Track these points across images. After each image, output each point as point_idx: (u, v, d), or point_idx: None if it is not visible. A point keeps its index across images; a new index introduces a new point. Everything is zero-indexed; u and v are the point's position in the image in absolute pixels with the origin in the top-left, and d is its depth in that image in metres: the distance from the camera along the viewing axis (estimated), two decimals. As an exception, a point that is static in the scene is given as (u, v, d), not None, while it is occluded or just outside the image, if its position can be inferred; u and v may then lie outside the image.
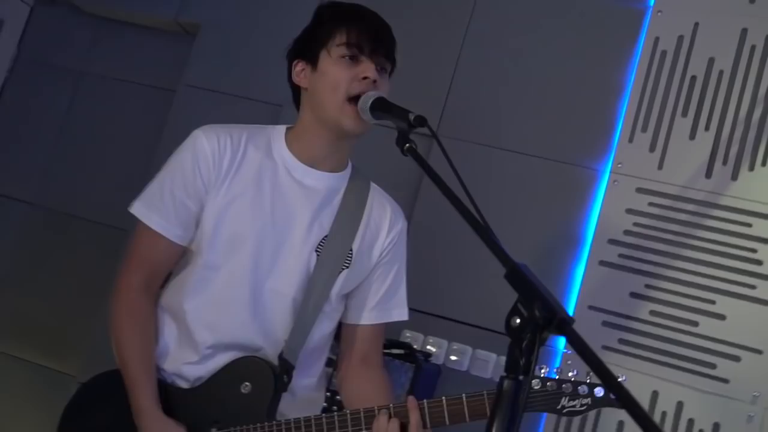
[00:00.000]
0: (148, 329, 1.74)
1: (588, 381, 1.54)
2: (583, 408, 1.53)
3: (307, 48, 1.76)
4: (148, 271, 1.75)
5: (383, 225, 1.83)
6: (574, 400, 1.53)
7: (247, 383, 1.68)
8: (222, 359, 1.71)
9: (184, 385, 1.74)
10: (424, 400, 1.58)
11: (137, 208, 1.74)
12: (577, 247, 3.00)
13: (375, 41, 1.70)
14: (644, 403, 2.81)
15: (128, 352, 1.70)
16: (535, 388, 1.55)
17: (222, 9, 3.71)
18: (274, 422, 1.65)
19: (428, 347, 3.05)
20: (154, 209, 1.72)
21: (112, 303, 1.75)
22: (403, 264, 1.87)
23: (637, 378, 2.81)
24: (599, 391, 1.53)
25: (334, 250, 1.74)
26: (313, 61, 1.74)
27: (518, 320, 1.12)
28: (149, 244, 1.74)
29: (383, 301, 1.84)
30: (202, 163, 1.71)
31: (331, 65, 1.70)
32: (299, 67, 1.77)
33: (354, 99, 1.67)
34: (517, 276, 1.15)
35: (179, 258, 1.78)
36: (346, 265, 1.75)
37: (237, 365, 1.70)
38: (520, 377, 1.10)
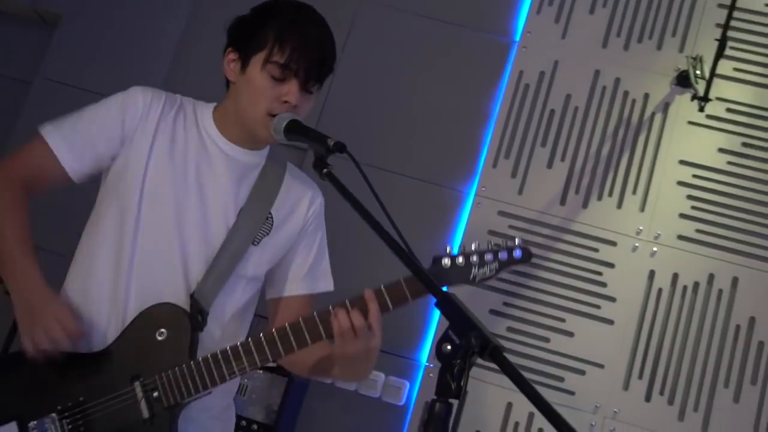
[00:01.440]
0: (23, 210, 1.69)
1: (490, 248, 1.64)
2: (492, 272, 1.62)
3: (243, 42, 1.74)
4: (24, 174, 1.71)
5: (304, 197, 1.86)
6: (482, 267, 1.62)
7: (162, 329, 1.64)
8: (132, 312, 1.67)
9: (97, 348, 1.67)
10: (381, 286, 1.62)
11: (46, 128, 1.72)
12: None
13: (310, 66, 1.69)
14: (499, 414, 3.00)
15: (5, 225, 1.66)
16: (447, 265, 1.63)
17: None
18: (201, 358, 1.61)
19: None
20: (63, 135, 1.70)
21: None
22: (325, 237, 1.90)
23: (492, 390, 2.99)
24: (503, 254, 1.63)
25: (253, 215, 1.76)
26: (244, 59, 1.73)
27: (449, 347, 1.19)
28: (37, 154, 1.71)
29: (311, 270, 1.85)
30: (129, 113, 1.72)
31: (258, 76, 1.70)
32: (230, 56, 1.76)
33: (273, 115, 1.69)
34: (449, 305, 1.22)
35: (52, 183, 1.74)
36: (264, 231, 1.77)
37: (146, 315, 1.66)
38: (450, 400, 1.18)
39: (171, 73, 3.45)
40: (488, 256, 1.63)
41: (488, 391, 2.99)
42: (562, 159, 3.22)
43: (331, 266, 1.92)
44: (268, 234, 1.79)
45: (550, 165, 3.22)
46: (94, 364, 1.65)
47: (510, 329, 3.06)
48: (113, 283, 1.69)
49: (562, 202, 3.18)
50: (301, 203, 1.86)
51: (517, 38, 3.34)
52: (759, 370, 2.95)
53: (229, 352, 1.61)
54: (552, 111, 3.26)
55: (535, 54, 3.31)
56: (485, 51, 3.34)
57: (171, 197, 1.72)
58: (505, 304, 3.09)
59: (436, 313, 3.10)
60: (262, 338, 1.61)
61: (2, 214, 1.68)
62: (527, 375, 2.96)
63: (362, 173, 1.52)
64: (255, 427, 2.66)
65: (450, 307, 1.22)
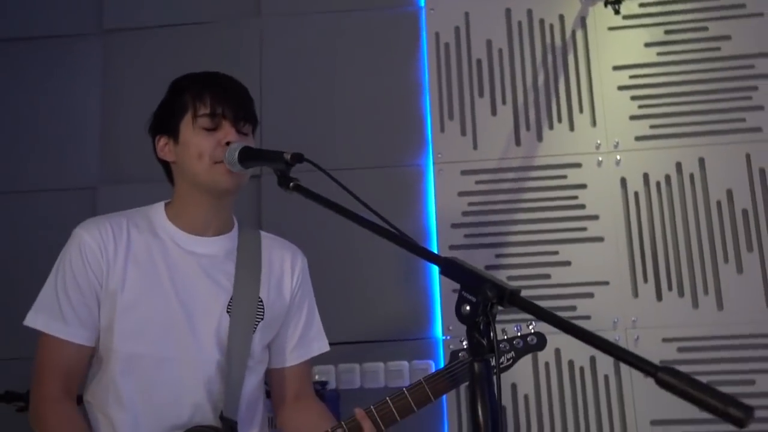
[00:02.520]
0: (77, 427, 1.64)
1: (506, 337, 1.67)
2: (510, 362, 1.65)
3: (166, 122, 1.74)
4: (60, 379, 1.65)
5: (285, 267, 1.84)
6: (500, 357, 1.66)
7: None
8: None
9: None
10: (371, 406, 1.63)
11: (34, 319, 1.66)
12: (426, 241, 3.17)
13: (235, 108, 1.71)
14: (526, 360, 3.00)
15: None
16: (466, 357, 1.65)
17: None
18: None
19: (317, 377, 3.08)
20: (51, 316, 1.66)
21: (32, 421, 1.64)
22: (312, 298, 1.91)
23: (514, 340, 3.01)
24: (519, 343, 1.66)
25: (244, 305, 1.73)
26: (174, 134, 1.73)
27: (468, 307, 1.21)
28: (56, 352, 1.66)
29: (302, 338, 1.86)
30: (90, 258, 1.67)
31: (193, 136, 1.70)
32: (162, 142, 1.76)
33: (221, 163, 1.68)
34: (453, 268, 1.24)
35: (89, 359, 1.70)
36: (260, 317, 1.76)
37: None
38: (486, 357, 1.20)
39: (102, 153, 3.41)
40: (503, 345, 1.72)
41: (510, 343, 3.02)
42: (504, 102, 3.25)
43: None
44: (262, 318, 1.77)
45: (494, 112, 3.25)
46: None
47: (510, 278, 3.09)
48: (141, 429, 1.65)
49: (517, 142, 3.21)
50: (285, 276, 1.84)
51: (422, 3, 3.37)
52: (751, 236, 3.03)
53: None
54: (478, 60, 3.29)
55: (445, 12, 3.34)
56: (396, 25, 3.36)
57: (158, 325, 1.66)
58: (498, 255, 3.12)
59: (436, 289, 3.12)
60: None
61: None
62: (540, 315, 3.03)
63: (327, 174, 1.53)
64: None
65: (456, 269, 1.24)
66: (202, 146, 1.68)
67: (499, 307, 1.20)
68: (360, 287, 3.15)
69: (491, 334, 1.19)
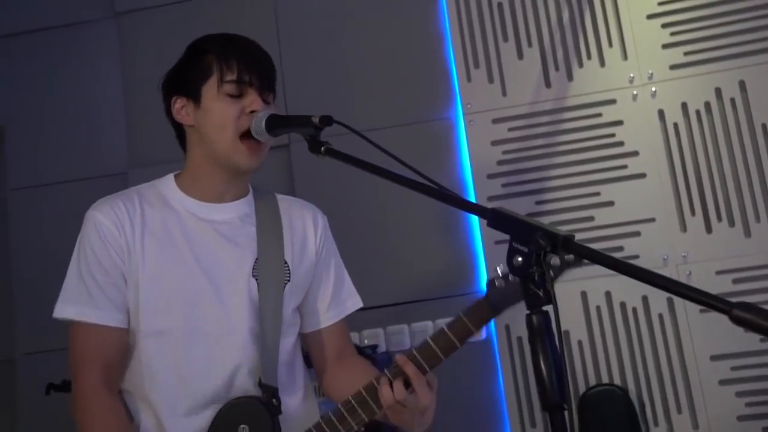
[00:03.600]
0: (116, 425, 1.60)
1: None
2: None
3: (185, 83, 1.67)
4: (101, 367, 1.60)
5: (308, 227, 1.79)
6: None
7: (242, 426, 1.60)
8: (205, 416, 1.62)
9: None
10: (412, 349, 1.55)
11: (63, 310, 1.62)
12: (463, 195, 3.10)
13: (262, 75, 1.66)
14: (576, 305, 2.97)
15: None
16: (503, 285, 1.54)
17: (20, 99, 3.48)
18: None
19: (366, 341, 3.06)
20: (82, 303, 1.61)
21: (75, 415, 1.60)
22: (338, 256, 1.85)
23: (562, 286, 2.93)
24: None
25: (270, 268, 1.68)
26: (194, 96, 1.66)
27: (520, 258, 1.15)
28: (89, 340, 1.61)
29: (334, 296, 1.80)
30: (109, 238, 1.62)
31: (216, 101, 1.63)
32: (179, 104, 1.69)
33: (245, 134, 1.62)
34: (501, 219, 1.18)
35: (125, 345, 1.65)
36: (287, 279, 1.71)
37: (223, 416, 1.61)
38: (544, 308, 1.15)
39: (129, 133, 3.38)
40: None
41: (557, 290, 2.94)
42: (529, 45, 3.15)
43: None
44: (289, 280, 1.72)
45: (520, 56, 3.15)
46: None
47: (553, 224, 3.01)
48: (179, 408, 1.62)
49: (547, 84, 3.11)
50: (308, 236, 1.78)
51: (437, -50, 3.26)
52: (799, 157, 2.92)
53: (313, 430, 1.58)
54: (499, 4, 3.19)
55: (460, -43, 3.22)
56: (412, -24, 3.26)
57: (185, 297, 1.62)
58: (538, 202, 3.05)
59: (479, 241, 3.07)
60: (333, 418, 1.57)
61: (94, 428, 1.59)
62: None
63: (359, 134, 1.48)
64: (362, 429, 2.64)
65: (504, 220, 1.18)
66: (226, 114, 1.62)
67: (553, 256, 1.14)
68: (400, 248, 3.10)
69: (548, 285, 1.13)
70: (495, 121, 3.11)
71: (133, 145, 3.35)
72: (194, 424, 1.61)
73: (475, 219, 3.07)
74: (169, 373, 1.62)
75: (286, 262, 1.72)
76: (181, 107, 1.69)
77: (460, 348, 1.55)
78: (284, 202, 1.81)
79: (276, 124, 1.60)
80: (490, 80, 3.15)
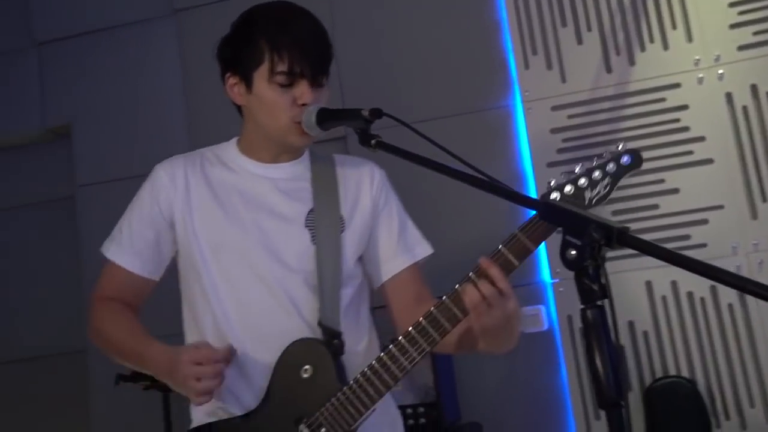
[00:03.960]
0: (123, 311, 1.71)
1: (595, 164, 1.51)
2: (606, 189, 1.51)
3: (238, 63, 1.69)
4: (114, 293, 1.74)
5: (363, 180, 1.79)
6: (595, 187, 1.48)
7: (305, 366, 1.61)
8: (268, 364, 1.64)
9: (238, 410, 1.65)
10: (500, 247, 1.47)
11: (104, 245, 1.76)
12: (522, 184, 3.06)
13: (315, 64, 1.64)
14: (641, 295, 2.90)
15: (115, 332, 1.69)
16: (558, 199, 1.47)
17: (85, 97, 3.57)
18: (352, 381, 1.57)
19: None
20: (116, 243, 1.74)
21: (89, 334, 1.74)
22: (401, 207, 1.83)
23: (626, 276, 2.88)
24: (611, 167, 1.51)
25: (325, 218, 1.71)
26: (246, 79, 1.68)
27: (573, 252, 1.12)
28: (111, 275, 1.75)
29: (401, 243, 1.78)
30: (161, 194, 1.71)
31: (267, 90, 1.64)
32: (231, 81, 1.71)
33: (299, 122, 1.64)
34: (553, 211, 1.15)
35: (145, 292, 1.75)
36: (342, 228, 1.72)
37: (284, 359, 1.63)
38: (599, 302, 1.11)
39: (191, 127, 3.44)
40: (596, 174, 1.49)
41: (622, 280, 2.89)
42: (589, 29, 3.07)
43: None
44: (344, 230, 1.73)
45: (579, 41, 3.08)
46: (256, 423, 1.62)
47: (616, 212, 2.95)
48: (241, 356, 1.66)
49: (608, 69, 3.03)
50: (363, 188, 1.79)
51: (493, -64, 3.20)
52: None
53: (376, 365, 1.55)
54: (558, -12, 3.12)
55: (517, -58, 3.16)
56: (468, -37, 3.21)
57: (238, 247, 1.68)
58: (599, 191, 2.97)
59: (538, 231, 3.01)
60: (403, 341, 1.53)
61: (106, 325, 1.71)
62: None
63: (409, 126, 1.46)
64: (421, 410, 2.64)
65: (556, 212, 1.15)
66: (278, 104, 1.64)
67: (608, 249, 1.11)
68: (462, 238, 3.07)
69: (602, 280, 1.10)
70: (554, 108, 3.05)
71: (194, 139, 3.41)
72: (259, 365, 1.64)
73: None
74: (232, 315, 1.67)
75: (342, 216, 1.73)
76: (233, 85, 1.71)
77: (532, 252, 1.46)
78: (341, 159, 1.83)
79: (326, 117, 1.59)
80: (549, 67, 3.09)
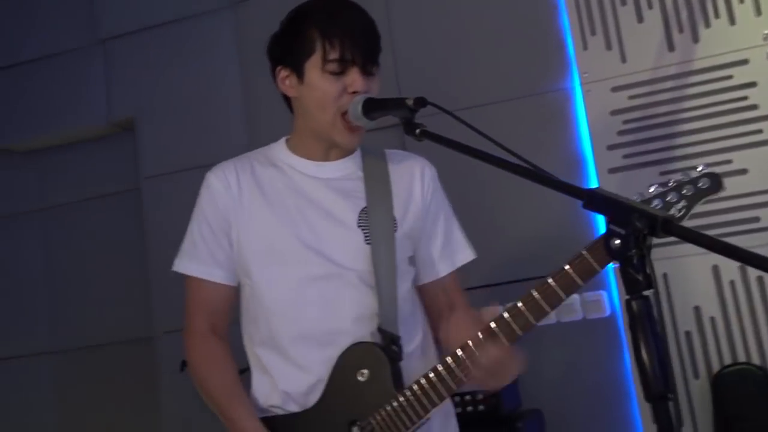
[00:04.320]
0: (222, 359, 1.73)
1: (671, 186, 1.46)
2: (681, 212, 1.46)
3: (289, 55, 1.70)
4: (206, 316, 1.76)
5: (414, 178, 1.79)
6: (668, 211, 1.44)
7: (362, 370, 1.63)
8: (324, 364, 1.66)
9: (297, 408, 1.68)
10: (565, 267, 1.41)
11: (177, 264, 1.77)
12: (583, 168, 3.00)
13: (366, 52, 1.65)
14: (708, 280, 2.81)
15: (210, 384, 1.70)
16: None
17: (147, 91, 3.65)
18: (407, 389, 1.58)
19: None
20: (191, 258, 1.75)
21: (186, 354, 1.76)
22: (449, 208, 1.83)
23: (692, 261, 2.80)
24: (689, 190, 1.46)
25: (379, 217, 1.70)
26: (297, 70, 1.69)
27: (617, 241, 1.09)
28: (197, 291, 1.76)
29: (445, 248, 1.79)
30: (218, 200, 1.73)
31: (319, 79, 1.65)
32: (283, 74, 1.73)
33: (346, 113, 1.64)
34: (596, 200, 1.12)
35: (233, 298, 1.77)
36: (395, 227, 1.71)
37: (343, 361, 1.65)
38: (644, 293, 1.08)
39: (250, 117, 3.49)
40: (671, 197, 1.46)
41: (687, 264, 2.81)
42: (649, 6, 2.97)
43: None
44: (396, 230, 1.72)
45: (640, 19, 2.98)
46: (311, 421, 1.65)
47: (679, 195, 2.86)
48: (296, 356, 1.68)
49: (670, 47, 2.93)
50: (414, 185, 1.78)
51: None
52: None
53: (432, 376, 1.56)
54: (617, -35, 3.03)
55: None
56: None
57: (290, 249, 1.68)
58: (662, 173, 2.88)
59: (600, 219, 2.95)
60: (461, 354, 1.54)
61: (205, 375, 1.73)
62: (719, 231, 2.79)
63: (452, 114, 1.45)
64: (480, 397, 2.63)
65: (599, 202, 1.12)
66: (328, 93, 1.64)
67: (653, 239, 1.08)
68: (521, 225, 3.04)
69: (647, 270, 1.07)
70: (614, 89, 2.98)
71: (252, 130, 3.46)
72: (315, 366, 1.66)
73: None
74: (291, 320, 1.68)
75: (394, 217, 1.72)
76: (285, 78, 1.73)
77: (599, 271, 1.40)
78: (392, 155, 1.83)
79: (372, 107, 1.60)
80: (608, 47, 3.01)
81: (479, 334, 1.51)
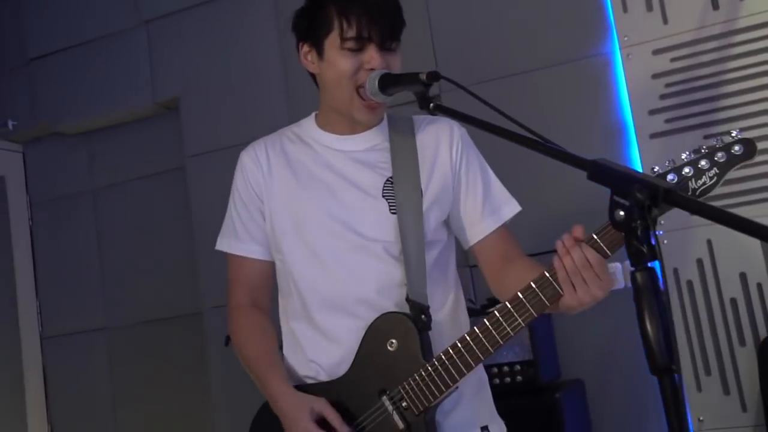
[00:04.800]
0: (261, 329, 1.78)
1: (703, 152, 1.42)
2: (713, 180, 1.43)
3: (309, 32, 1.73)
4: (246, 291, 1.82)
5: (441, 141, 1.77)
6: (700, 177, 1.41)
7: (391, 340, 1.64)
8: (353, 334, 1.68)
9: (327, 378, 1.71)
10: (592, 234, 1.44)
11: (218, 243, 1.85)
12: (624, 134, 2.94)
13: (384, 29, 1.65)
14: (754, 245, 2.73)
15: (248, 352, 1.76)
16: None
17: (190, 71, 3.71)
18: (436, 358, 1.59)
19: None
20: (229, 235, 1.83)
21: (229, 327, 1.83)
22: (484, 165, 1.80)
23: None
24: (721, 155, 1.42)
25: (405, 187, 1.70)
26: (318, 47, 1.71)
27: (621, 212, 1.08)
28: (237, 268, 1.83)
29: (486, 206, 1.76)
30: (250, 177, 1.79)
31: (337, 56, 1.66)
32: (305, 49, 1.75)
33: (363, 87, 1.64)
34: (600, 171, 1.11)
35: (272, 272, 1.83)
36: (422, 193, 1.71)
37: (372, 332, 1.66)
38: (650, 264, 1.07)
39: (290, 93, 3.51)
40: (703, 163, 1.42)
41: (731, 230, 2.73)
42: (693, -36, 2.88)
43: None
44: (424, 196, 1.71)
45: (682, -23, 2.89)
46: (342, 390, 1.68)
47: (724, 160, 2.78)
48: (325, 327, 1.71)
49: (714, 6, 2.83)
50: (441, 149, 1.77)
51: None
52: None
53: (459, 345, 1.56)
54: (656, -77, 2.93)
55: None
56: None
57: (316, 221, 1.71)
58: (706, 137, 2.80)
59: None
60: (487, 323, 1.53)
61: (243, 344, 1.79)
62: (764, 195, 2.70)
63: (463, 88, 1.44)
64: (518, 367, 2.62)
65: (602, 173, 1.10)
66: (345, 69, 1.65)
67: (656, 210, 1.05)
68: (559, 192, 3.00)
69: (652, 240, 1.05)
70: (655, 52, 2.90)
71: (293, 106, 3.48)
72: (345, 335, 1.68)
73: (637, 164, 2.90)
74: (317, 293, 1.71)
75: (420, 184, 1.72)
76: (307, 53, 1.75)
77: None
78: (420, 121, 1.82)
79: (388, 83, 1.59)
80: (649, 8, 2.92)
81: (506, 302, 1.51)
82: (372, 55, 1.64)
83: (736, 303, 2.74)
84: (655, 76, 2.89)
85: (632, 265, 1.08)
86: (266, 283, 1.84)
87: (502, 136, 1.31)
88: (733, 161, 1.42)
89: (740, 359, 2.73)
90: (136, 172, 3.91)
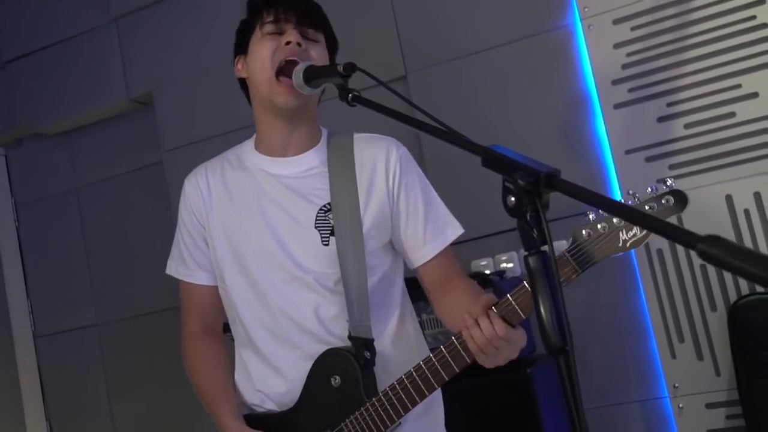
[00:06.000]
0: (213, 357, 1.81)
1: (634, 203, 1.39)
2: (644, 232, 1.42)
3: (241, 41, 1.79)
4: (198, 317, 1.83)
5: (378, 163, 1.74)
6: (631, 229, 1.40)
7: (335, 376, 1.65)
8: (296, 365, 1.70)
9: (275, 407, 1.73)
10: (508, 296, 1.47)
11: (168, 266, 1.87)
12: (588, 105, 2.93)
13: (299, 12, 1.70)
14: (721, 209, 2.73)
15: (198, 381, 1.78)
16: (588, 237, 1.42)
17: (162, 65, 3.72)
18: (380, 395, 1.61)
19: (503, 265, 3.02)
20: (177, 261, 1.84)
21: (182, 355, 1.85)
22: (426, 186, 1.78)
23: (704, 191, 2.73)
24: (653, 207, 1.41)
25: (344, 214, 1.69)
26: (245, 50, 1.76)
27: (512, 198, 1.09)
28: (187, 293, 1.84)
29: (429, 229, 1.73)
30: (192, 205, 1.80)
31: (259, 44, 1.71)
32: (238, 64, 1.80)
33: (282, 72, 1.66)
34: (491, 158, 1.12)
35: (215, 296, 1.82)
36: (359, 219, 1.69)
37: (316, 368, 1.67)
38: (541, 248, 1.08)
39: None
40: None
41: (700, 194, 2.72)
42: (649, -71, 2.85)
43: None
44: (363, 225, 1.70)
45: (639, -56, 2.86)
46: (290, 424, 1.70)
47: (688, 125, 2.78)
48: (271, 357, 1.72)
49: (672, -29, 2.81)
50: (377, 171, 1.73)
51: None
52: None
53: (405, 381, 1.58)
54: None
55: None
56: None
57: (254, 252, 1.71)
58: (669, 104, 2.80)
59: (608, 154, 2.89)
60: (434, 360, 1.55)
61: (194, 373, 1.81)
62: (730, 159, 2.70)
63: (378, 80, 1.44)
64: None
65: (493, 160, 1.11)
66: (265, 51, 1.69)
67: (547, 193, 1.06)
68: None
69: (542, 225, 1.06)
70: (616, 21, 2.88)
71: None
72: (291, 368, 1.70)
73: (603, 135, 2.89)
74: (259, 323, 1.72)
75: (359, 205, 1.70)
76: (237, 61, 1.80)
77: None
78: (359, 141, 1.78)
79: (312, 75, 1.61)
80: (607, -23, 2.90)
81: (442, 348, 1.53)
82: (290, 33, 1.68)
83: (706, 269, 2.75)
84: (617, 46, 2.88)
85: (525, 250, 1.09)
86: (217, 308, 1.84)
87: (412, 125, 1.33)
88: (664, 214, 1.39)
89: (712, 324, 2.74)
90: (117, 168, 3.94)
